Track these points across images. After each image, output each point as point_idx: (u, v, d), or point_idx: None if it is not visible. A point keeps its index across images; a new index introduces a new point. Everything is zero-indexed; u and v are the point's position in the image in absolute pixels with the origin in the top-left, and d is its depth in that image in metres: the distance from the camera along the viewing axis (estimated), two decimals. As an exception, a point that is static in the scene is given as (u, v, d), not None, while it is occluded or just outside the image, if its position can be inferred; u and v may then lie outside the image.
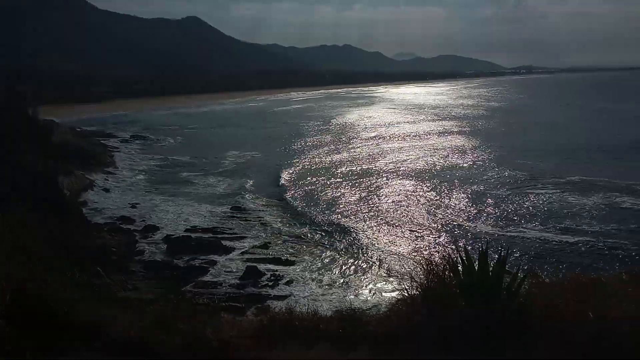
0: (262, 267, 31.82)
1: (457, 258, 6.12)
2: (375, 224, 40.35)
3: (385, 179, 56.80)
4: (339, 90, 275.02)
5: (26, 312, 5.63)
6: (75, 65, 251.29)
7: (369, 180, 56.48)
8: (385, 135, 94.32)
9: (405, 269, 30.14)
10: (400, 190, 51.12)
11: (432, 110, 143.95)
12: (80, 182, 54.02)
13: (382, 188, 52.41)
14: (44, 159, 45.84)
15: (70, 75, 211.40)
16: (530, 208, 42.91)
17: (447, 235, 37.17)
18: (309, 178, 58.64)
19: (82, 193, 50.95)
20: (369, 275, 30.79)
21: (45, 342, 5.42)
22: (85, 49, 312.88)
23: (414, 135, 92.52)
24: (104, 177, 60.13)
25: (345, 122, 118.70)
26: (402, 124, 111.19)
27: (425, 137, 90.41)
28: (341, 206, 46.11)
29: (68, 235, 30.76)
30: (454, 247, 31.16)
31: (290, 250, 35.34)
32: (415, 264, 29.51)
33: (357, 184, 54.51)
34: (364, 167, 64.29)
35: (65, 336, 5.63)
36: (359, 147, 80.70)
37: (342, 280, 30.18)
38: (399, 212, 43.55)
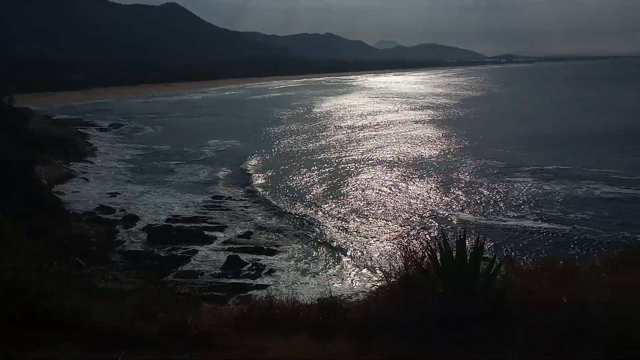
0: (243, 256, 31.84)
1: (435, 245, 6.18)
2: (354, 213, 40.52)
3: (362, 167, 56.99)
4: (320, 78, 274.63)
5: (3, 303, 5.56)
6: (53, 52, 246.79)
7: (347, 168, 56.67)
8: (361, 124, 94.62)
9: (384, 256, 30.41)
10: (378, 179, 51.37)
11: (409, 99, 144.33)
12: (58, 172, 53.29)
13: (359, 177, 52.60)
14: (20, 149, 45.00)
15: (47, 63, 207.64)
16: (507, 196, 43.42)
17: (426, 223, 37.54)
18: (288, 167, 58.58)
19: (60, 182, 50.29)
20: (349, 263, 31.01)
21: (23, 333, 5.37)
22: (63, 35, 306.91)
23: (390, 125, 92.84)
24: (83, 166, 59.40)
25: (323, 111, 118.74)
26: (380, 113, 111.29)
27: (401, 126, 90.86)
28: (320, 195, 46.20)
29: (46, 225, 30.36)
30: (432, 233, 31.53)
31: (272, 240, 35.39)
32: (395, 251, 29.80)
33: (335, 173, 54.66)
34: (341, 155, 64.47)
35: (44, 327, 5.58)
36: (335, 136, 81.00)
37: (322, 269, 30.36)
38: (377, 201, 43.80)
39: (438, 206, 41.64)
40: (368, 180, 51.11)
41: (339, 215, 40.16)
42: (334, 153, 66.26)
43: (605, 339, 4.82)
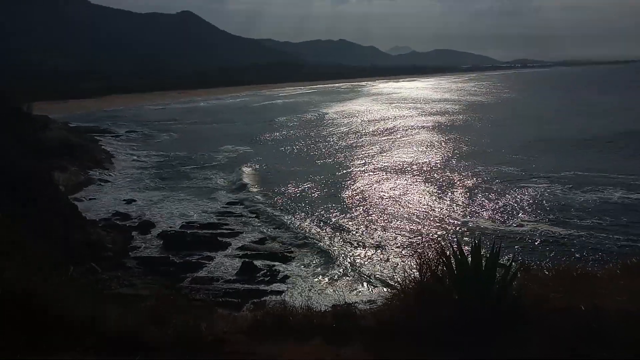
0: (258, 262, 31.90)
1: (450, 252, 6.14)
2: (368, 219, 40.41)
3: (375, 173, 56.81)
4: (333, 84, 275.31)
5: (17, 308, 5.60)
6: (69, 61, 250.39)
7: (359, 174, 56.55)
8: (370, 130, 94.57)
9: (399, 263, 30.27)
10: (391, 185, 51.13)
11: (421, 105, 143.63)
12: (75, 178, 53.91)
13: (372, 183, 52.43)
14: (39, 155, 45.62)
15: (64, 71, 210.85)
16: (522, 202, 42.98)
17: (440, 229, 37.31)
18: (301, 173, 58.63)
19: (77, 189, 50.87)
20: (363, 270, 30.87)
21: (37, 339, 5.41)
22: (79, 45, 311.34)
23: (399, 130, 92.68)
24: (99, 173, 60.03)
25: (334, 117, 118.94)
26: (389, 119, 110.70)
27: (410, 131, 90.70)
28: (334, 202, 46.10)
29: (62, 231, 30.70)
30: (447, 241, 31.30)
31: (286, 247, 35.40)
32: (409, 258, 29.63)
33: (347, 179, 54.58)
34: (353, 162, 64.45)
35: (58, 332, 5.61)
36: (347, 142, 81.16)
37: (336, 276, 30.27)
38: (390, 207, 43.59)
39: (451, 212, 41.35)
40: (380, 186, 50.95)
41: (352, 222, 40.07)
42: (346, 159, 66.23)
43: (623, 344, 4.76)
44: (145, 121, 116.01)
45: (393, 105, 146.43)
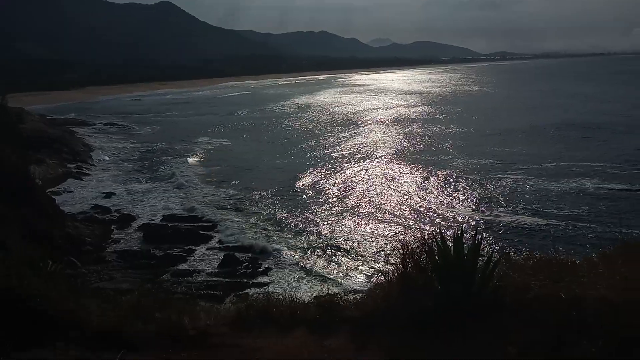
0: (240, 255, 31.76)
1: (432, 242, 6.17)
2: (348, 211, 40.46)
3: (356, 165, 56.81)
4: (312, 76, 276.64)
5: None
6: (46, 52, 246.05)
7: (340, 165, 56.51)
8: (353, 120, 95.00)
9: (382, 254, 30.44)
10: (373, 176, 51.21)
11: (395, 95, 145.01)
12: (53, 171, 53.04)
13: (353, 174, 52.46)
14: (14, 148, 44.70)
15: (40, 62, 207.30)
16: (503, 193, 43.39)
17: (423, 220, 37.55)
18: (278, 164, 58.63)
19: (55, 182, 50.03)
20: (346, 260, 30.97)
21: (18, 335, 5.32)
22: (56, 35, 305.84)
23: (382, 121, 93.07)
24: (77, 166, 59.10)
25: (311, 108, 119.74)
26: (381, 110, 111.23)
27: (390, 121, 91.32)
28: (314, 192, 46.15)
29: (40, 226, 30.24)
30: (429, 231, 31.49)
31: (268, 238, 35.30)
32: (392, 248, 29.80)
33: (327, 170, 54.53)
34: (332, 152, 64.43)
35: (39, 328, 5.53)
36: (324, 133, 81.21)
37: (319, 267, 30.31)
38: (372, 198, 43.71)
39: (435, 203, 41.61)
40: (363, 177, 51.02)
41: (334, 213, 40.11)
42: (324, 150, 66.23)
43: (605, 333, 4.81)
44: (124, 113, 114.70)
45: (361, 96, 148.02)
